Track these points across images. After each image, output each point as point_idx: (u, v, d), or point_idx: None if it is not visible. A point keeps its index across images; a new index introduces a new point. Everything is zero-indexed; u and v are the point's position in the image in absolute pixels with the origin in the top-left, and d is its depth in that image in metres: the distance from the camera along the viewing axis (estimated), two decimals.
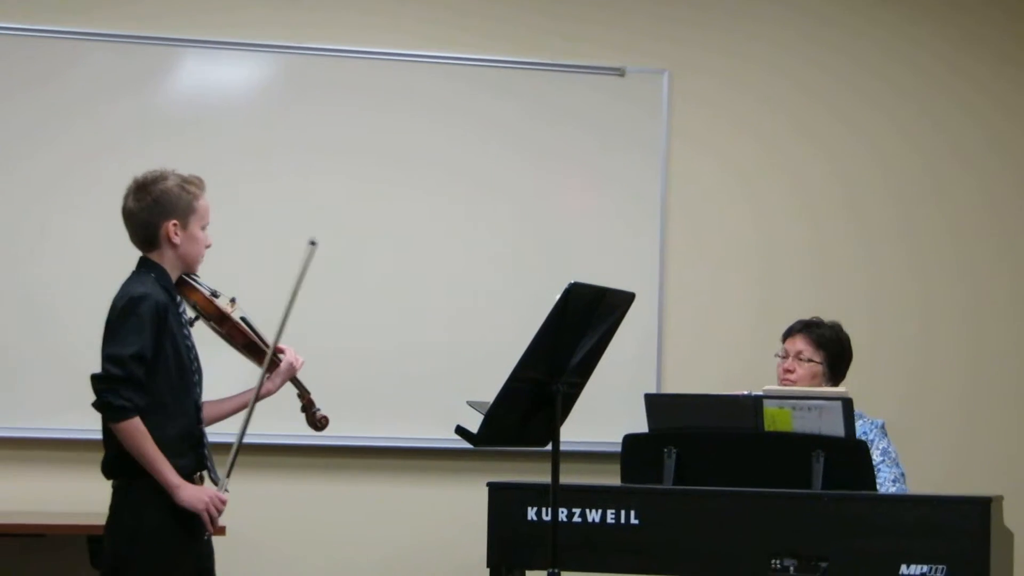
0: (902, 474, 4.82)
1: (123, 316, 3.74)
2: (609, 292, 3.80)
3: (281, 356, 4.02)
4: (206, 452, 3.89)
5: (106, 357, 3.72)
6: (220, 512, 3.84)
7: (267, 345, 3.95)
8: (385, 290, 5.58)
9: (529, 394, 3.75)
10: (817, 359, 4.89)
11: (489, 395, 3.74)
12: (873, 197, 5.99)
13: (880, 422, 4.92)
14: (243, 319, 3.98)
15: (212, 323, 3.95)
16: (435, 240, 5.62)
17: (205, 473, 3.90)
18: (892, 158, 6.01)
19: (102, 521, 3.83)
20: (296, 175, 5.52)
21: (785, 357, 4.92)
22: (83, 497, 5.17)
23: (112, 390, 3.70)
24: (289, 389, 4.06)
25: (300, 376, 4.06)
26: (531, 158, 5.71)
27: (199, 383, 3.91)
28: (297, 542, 5.53)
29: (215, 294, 3.96)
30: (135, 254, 3.90)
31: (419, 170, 5.62)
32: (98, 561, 4.85)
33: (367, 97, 5.61)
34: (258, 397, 3.95)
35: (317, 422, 4.12)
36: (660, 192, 5.78)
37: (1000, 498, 4.20)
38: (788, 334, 4.99)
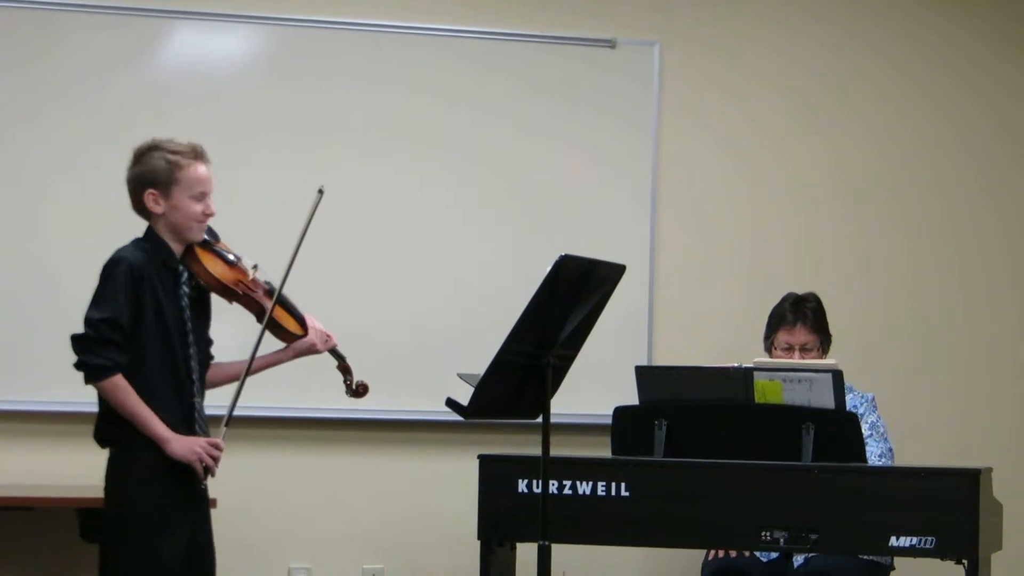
0: (889, 449, 4.83)
1: (101, 281, 3.83)
2: (600, 264, 3.79)
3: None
4: (197, 428, 3.89)
5: (85, 320, 3.81)
6: (216, 459, 3.85)
7: (293, 319, 4.04)
8: (374, 264, 5.57)
9: (520, 366, 3.74)
10: (818, 344, 4.88)
11: (480, 367, 3.73)
12: (866, 169, 5.97)
13: (870, 396, 4.92)
14: (271, 291, 3.98)
15: (219, 295, 3.96)
16: (425, 213, 5.60)
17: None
18: (886, 130, 5.98)
19: (92, 494, 3.83)
20: (286, 148, 5.49)
21: (789, 350, 4.88)
22: (73, 470, 5.17)
23: (89, 350, 3.77)
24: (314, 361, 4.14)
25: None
26: (521, 131, 5.68)
27: (199, 351, 3.91)
28: (287, 514, 5.52)
29: (232, 262, 3.96)
30: (131, 225, 3.93)
31: (407, 143, 5.58)
32: (89, 534, 4.86)
33: (356, 69, 5.57)
34: (252, 365, 3.97)
35: (355, 390, 4.16)
36: (651, 164, 5.76)
37: (989, 469, 4.21)
38: (784, 323, 4.92)
